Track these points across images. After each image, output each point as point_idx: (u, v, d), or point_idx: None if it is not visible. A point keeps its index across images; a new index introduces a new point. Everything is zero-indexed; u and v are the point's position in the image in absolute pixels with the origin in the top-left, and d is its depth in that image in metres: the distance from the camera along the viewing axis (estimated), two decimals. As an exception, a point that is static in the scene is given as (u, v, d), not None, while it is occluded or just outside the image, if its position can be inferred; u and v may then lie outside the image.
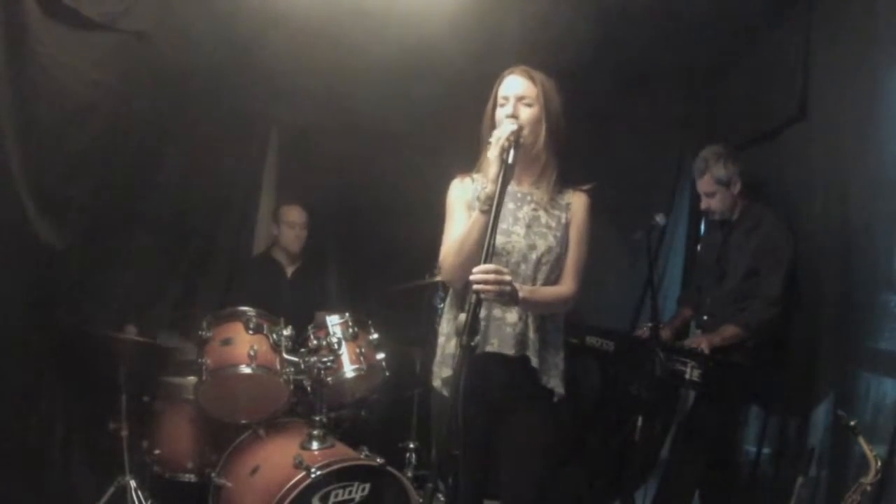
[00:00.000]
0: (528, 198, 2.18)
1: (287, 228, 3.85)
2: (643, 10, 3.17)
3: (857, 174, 2.71)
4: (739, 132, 3.62)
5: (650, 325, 3.01)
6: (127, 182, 3.19)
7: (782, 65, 3.27)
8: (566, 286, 2.17)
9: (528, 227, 2.15)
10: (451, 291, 2.26)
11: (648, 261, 2.98)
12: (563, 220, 2.19)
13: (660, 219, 2.97)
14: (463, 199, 2.19)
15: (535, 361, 2.11)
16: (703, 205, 3.27)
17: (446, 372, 2.17)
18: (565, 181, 2.23)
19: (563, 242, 2.18)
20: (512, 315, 2.10)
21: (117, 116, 2.99)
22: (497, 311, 2.10)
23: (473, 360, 1.80)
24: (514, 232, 2.13)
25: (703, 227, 3.82)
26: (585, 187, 2.25)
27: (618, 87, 3.89)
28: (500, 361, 2.09)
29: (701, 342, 3.00)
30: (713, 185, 3.17)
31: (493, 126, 2.13)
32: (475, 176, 2.21)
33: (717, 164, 3.14)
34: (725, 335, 3.02)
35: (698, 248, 3.70)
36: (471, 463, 2.08)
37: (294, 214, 3.86)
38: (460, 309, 2.15)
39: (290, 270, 3.93)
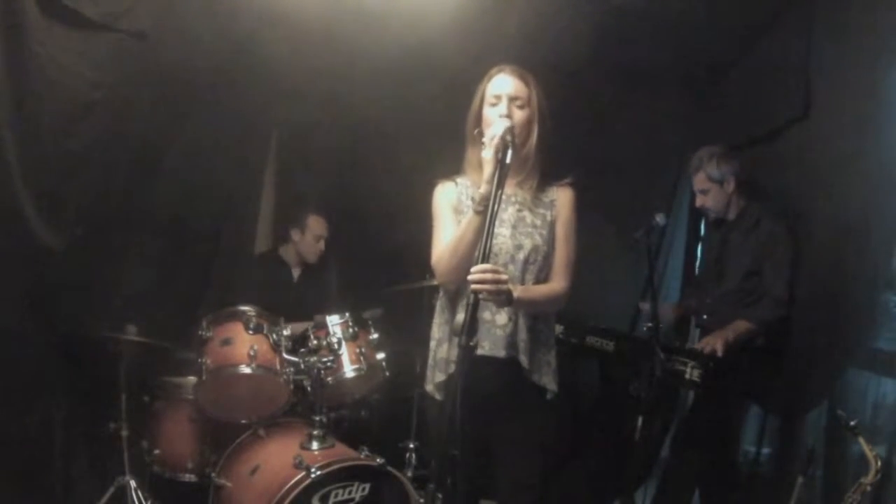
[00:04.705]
0: (513, 198, 2.18)
1: (312, 240, 3.85)
2: (643, 9, 3.17)
3: (857, 174, 2.72)
4: (740, 132, 3.63)
5: (650, 324, 3.01)
6: (127, 182, 3.19)
7: (783, 65, 3.28)
8: (557, 284, 2.17)
9: (514, 227, 2.14)
10: (440, 297, 2.26)
11: (648, 261, 2.98)
12: (549, 218, 2.19)
13: (660, 219, 2.97)
14: (448, 203, 2.19)
15: (524, 361, 2.11)
16: (698, 202, 3.31)
17: (439, 377, 2.17)
18: (548, 177, 2.22)
19: (550, 240, 2.17)
20: (502, 317, 2.10)
21: (117, 116, 2.99)
22: (487, 314, 2.09)
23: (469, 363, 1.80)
24: (499, 234, 2.11)
25: (702, 227, 3.83)
26: (567, 181, 2.24)
27: (618, 86, 3.89)
28: (492, 364, 2.08)
29: (716, 342, 2.92)
30: (707, 182, 3.20)
31: (478, 124, 2.13)
32: (458, 180, 2.22)
33: (710, 162, 3.18)
34: (739, 331, 2.98)
35: (702, 248, 3.71)
36: (468, 464, 2.08)
37: (321, 226, 3.86)
38: (452, 313, 2.15)
39: (296, 272, 3.94)
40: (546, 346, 2.18)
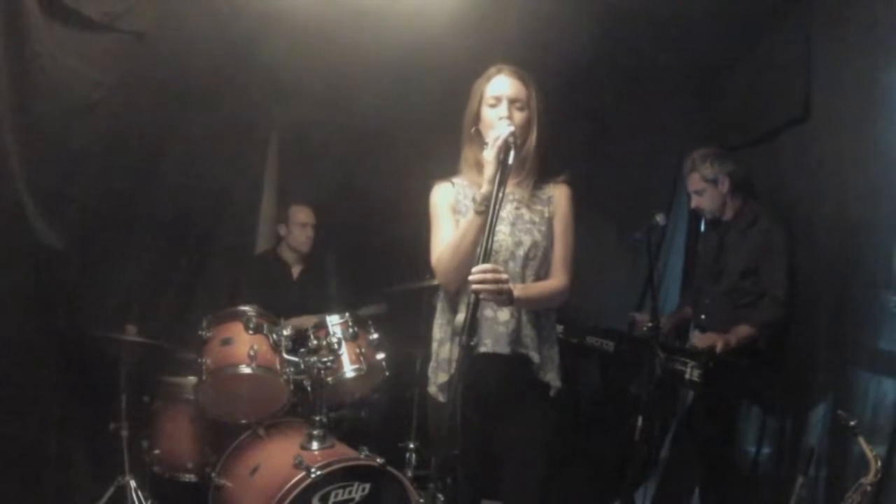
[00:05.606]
0: (511, 196, 2.17)
1: (298, 229, 3.85)
2: (643, 9, 3.17)
3: (857, 174, 2.72)
4: (739, 132, 3.63)
5: (650, 324, 3.01)
6: (127, 182, 3.19)
7: (783, 65, 3.28)
8: (557, 280, 2.17)
9: (513, 224, 2.15)
10: (441, 297, 2.26)
11: (648, 261, 2.98)
12: (547, 214, 2.19)
13: (660, 219, 2.97)
14: (447, 203, 2.19)
15: (535, 357, 2.11)
16: (694, 203, 3.30)
17: (442, 377, 2.17)
18: (545, 175, 2.23)
19: (549, 237, 2.18)
20: (504, 314, 2.10)
21: (117, 116, 2.99)
22: (489, 311, 2.09)
23: (470, 362, 1.80)
24: (499, 231, 2.09)
25: (702, 227, 3.83)
26: (563, 178, 2.25)
27: (618, 87, 3.89)
28: (495, 361, 2.08)
29: (716, 340, 2.91)
30: (701, 182, 3.21)
31: (476, 123, 2.14)
32: (455, 180, 2.22)
33: (703, 163, 3.19)
34: (741, 335, 2.97)
35: (698, 248, 3.71)
36: (470, 463, 2.08)
37: (304, 215, 3.86)
38: (453, 313, 2.15)
39: (296, 271, 3.93)
40: (549, 342, 2.19)
